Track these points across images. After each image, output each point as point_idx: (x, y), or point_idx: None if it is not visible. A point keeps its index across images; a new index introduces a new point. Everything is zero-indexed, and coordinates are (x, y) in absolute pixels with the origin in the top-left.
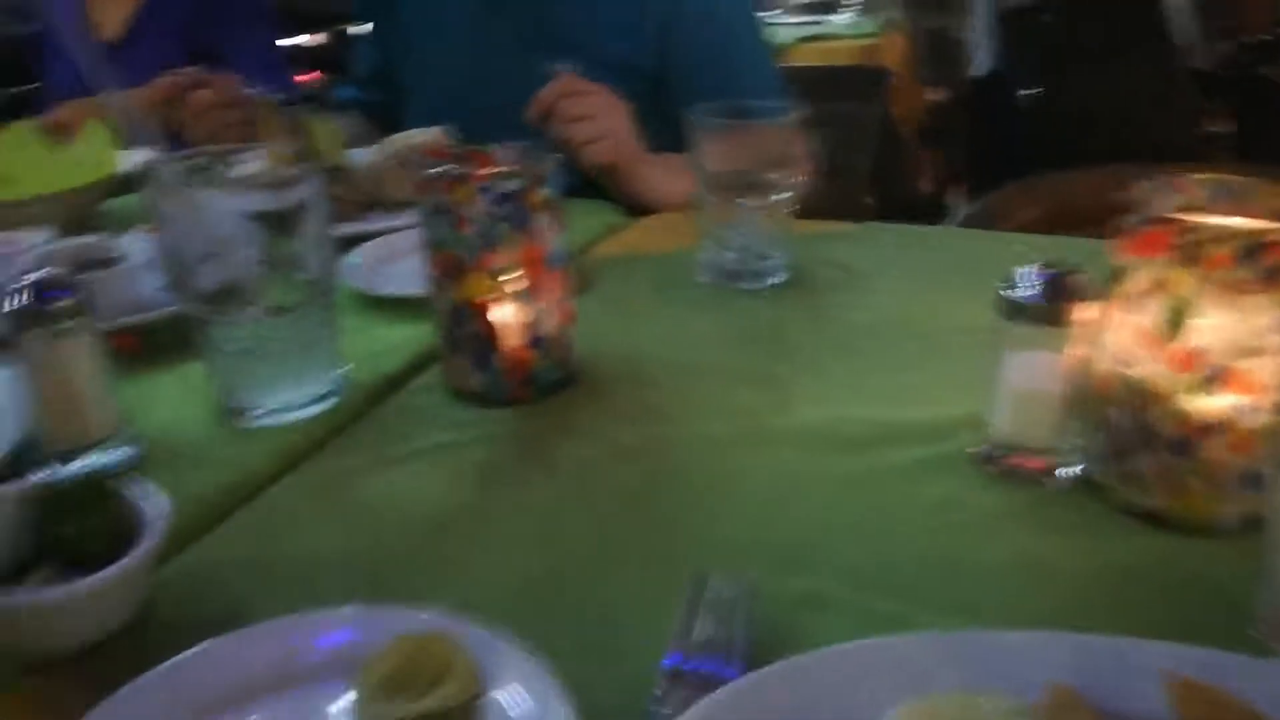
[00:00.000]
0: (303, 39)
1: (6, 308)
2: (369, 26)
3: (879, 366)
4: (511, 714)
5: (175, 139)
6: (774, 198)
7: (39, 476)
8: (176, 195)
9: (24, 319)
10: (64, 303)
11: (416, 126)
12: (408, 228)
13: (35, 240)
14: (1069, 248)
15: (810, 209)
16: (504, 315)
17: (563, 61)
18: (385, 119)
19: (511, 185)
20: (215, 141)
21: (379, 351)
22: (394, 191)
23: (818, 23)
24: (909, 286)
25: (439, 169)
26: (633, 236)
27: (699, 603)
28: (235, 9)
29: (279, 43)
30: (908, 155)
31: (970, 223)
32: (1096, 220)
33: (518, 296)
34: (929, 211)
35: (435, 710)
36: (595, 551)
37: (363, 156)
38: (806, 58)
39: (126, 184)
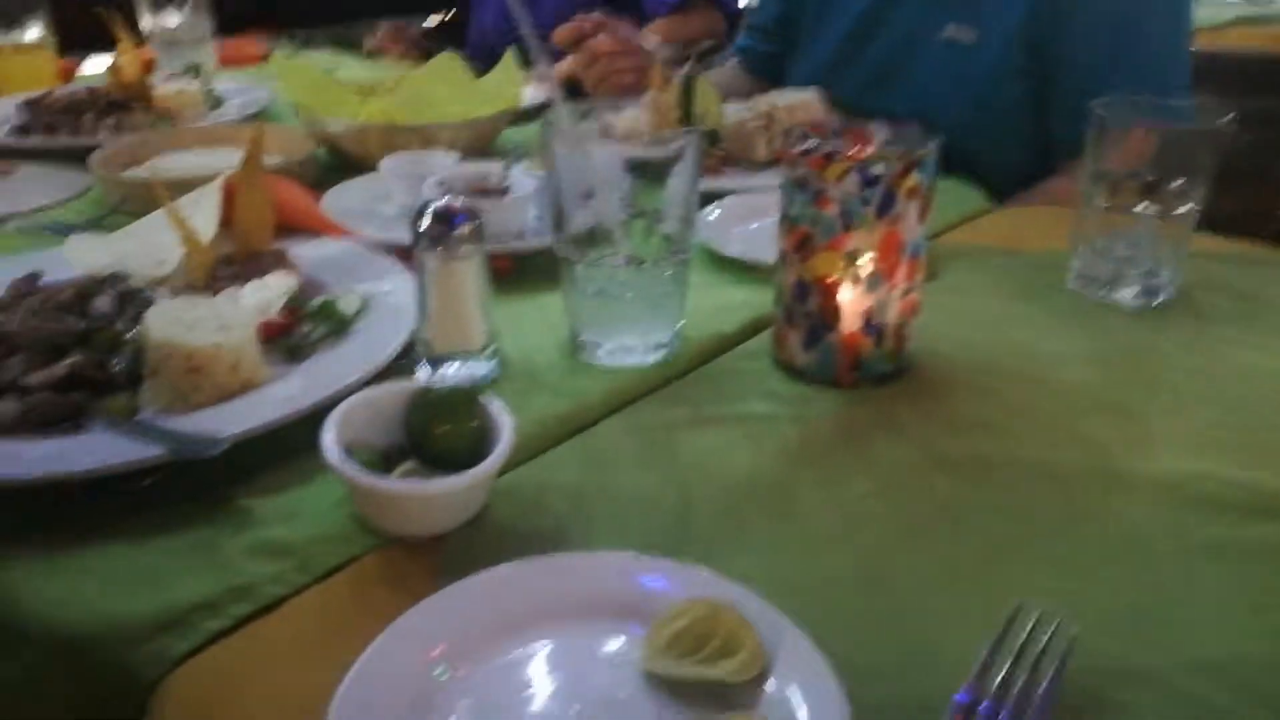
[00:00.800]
0: None
1: (415, 227)
2: None
3: (1263, 421)
4: (787, 707)
5: (574, 80)
6: (1177, 210)
7: (422, 378)
8: (564, 138)
9: (427, 239)
10: (462, 229)
11: (798, 84)
12: (767, 189)
13: (443, 163)
14: None
15: (1217, 220)
16: (847, 297)
17: (961, 26)
18: (772, 72)
19: (883, 168)
20: (606, 85)
21: (717, 309)
22: (758, 151)
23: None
24: None
25: (811, 142)
26: (994, 227)
27: (1008, 643)
28: None
29: None
30: None
31: None
32: None
33: (865, 281)
34: None
35: (717, 679)
36: (903, 562)
37: (732, 111)
38: (1240, 40)
39: (525, 115)
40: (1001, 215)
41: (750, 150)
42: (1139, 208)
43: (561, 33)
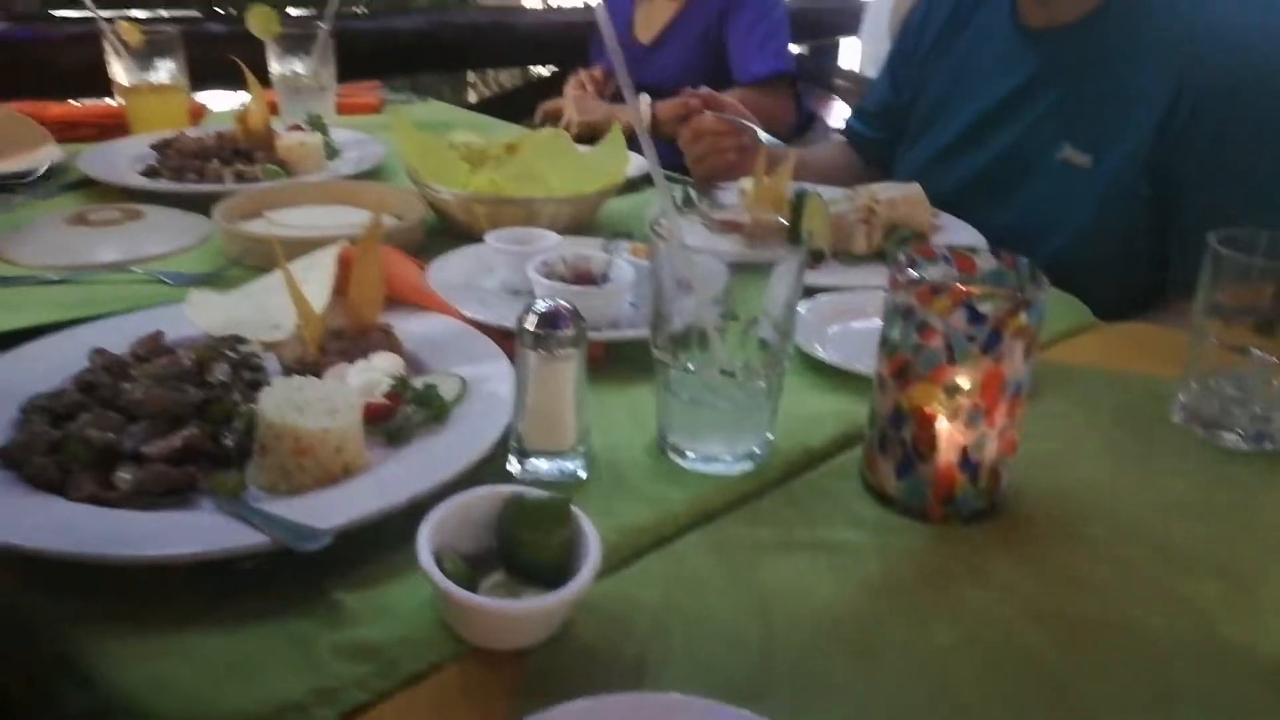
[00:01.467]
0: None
1: (520, 324)
2: (884, 55)
3: None
4: None
5: (677, 151)
6: None
7: (513, 470)
8: (666, 226)
9: (530, 338)
10: (564, 332)
11: (904, 171)
12: (864, 288)
13: (546, 242)
14: None
15: None
16: (944, 430)
17: (1077, 150)
18: (877, 156)
19: (990, 307)
20: (708, 163)
21: (808, 418)
22: (857, 244)
23: None
24: None
25: (917, 271)
26: (1098, 345)
27: None
28: (747, 11)
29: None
30: None
31: None
32: None
33: (964, 415)
34: None
35: None
36: None
37: (831, 199)
38: None
39: (629, 185)
40: (1106, 332)
41: (848, 243)
42: (1253, 348)
43: (666, 108)
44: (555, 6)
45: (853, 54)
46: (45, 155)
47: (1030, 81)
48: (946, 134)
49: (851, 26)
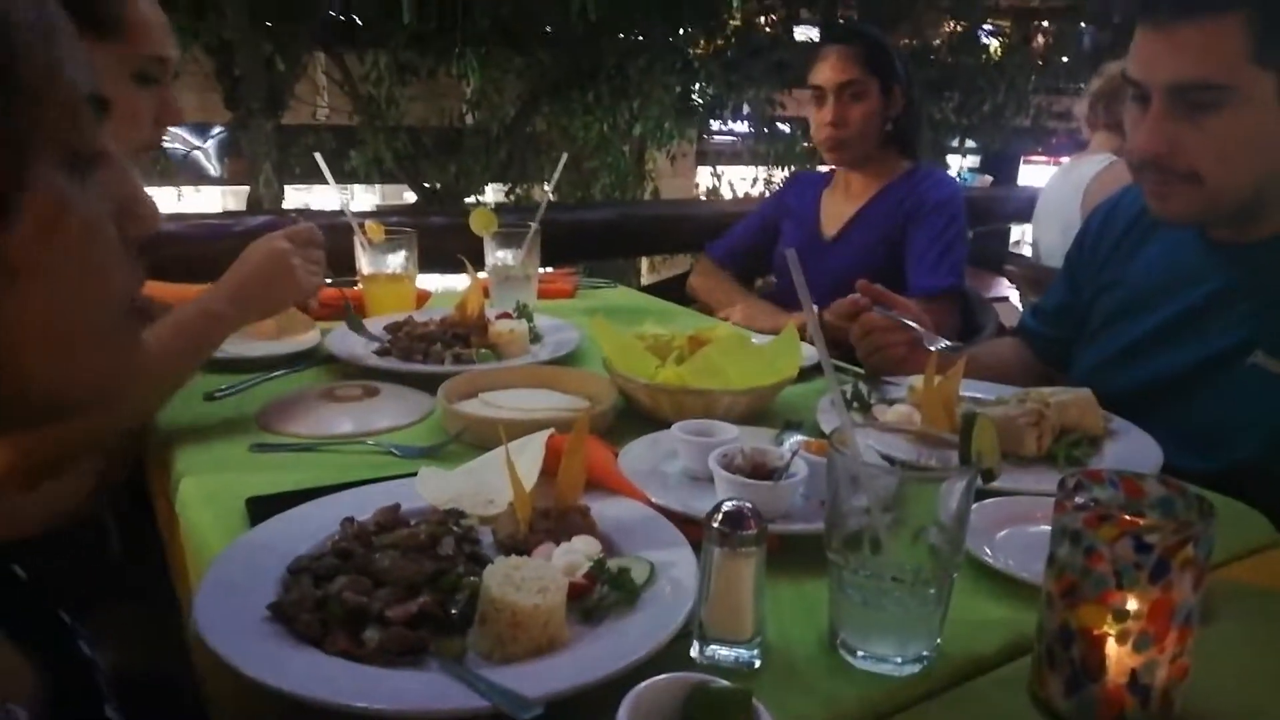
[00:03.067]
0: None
1: (708, 521)
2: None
3: None
4: None
5: (848, 348)
6: None
7: (694, 654)
8: (841, 436)
9: (716, 534)
10: (747, 531)
11: (1081, 369)
12: (1034, 492)
13: (726, 434)
14: None
15: None
16: (1113, 653)
17: (1270, 357)
18: (1054, 355)
19: (1158, 538)
20: (878, 357)
21: (975, 624)
22: (1027, 447)
23: None
24: None
25: (1085, 494)
26: (1275, 565)
27: None
28: (928, 226)
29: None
30: None
31: None
32: None
33: (1134, 640)
34: None
35: None
36: None
37: (1003, 397)
38: None
39: (800, 375)
40: None
41: (1019, 446)
42: None
43: (836, 307)
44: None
45: (1024, 240)
46: (310, 339)
47: (1221, 291)
48: (1129, 336)
49: (1024, 214)
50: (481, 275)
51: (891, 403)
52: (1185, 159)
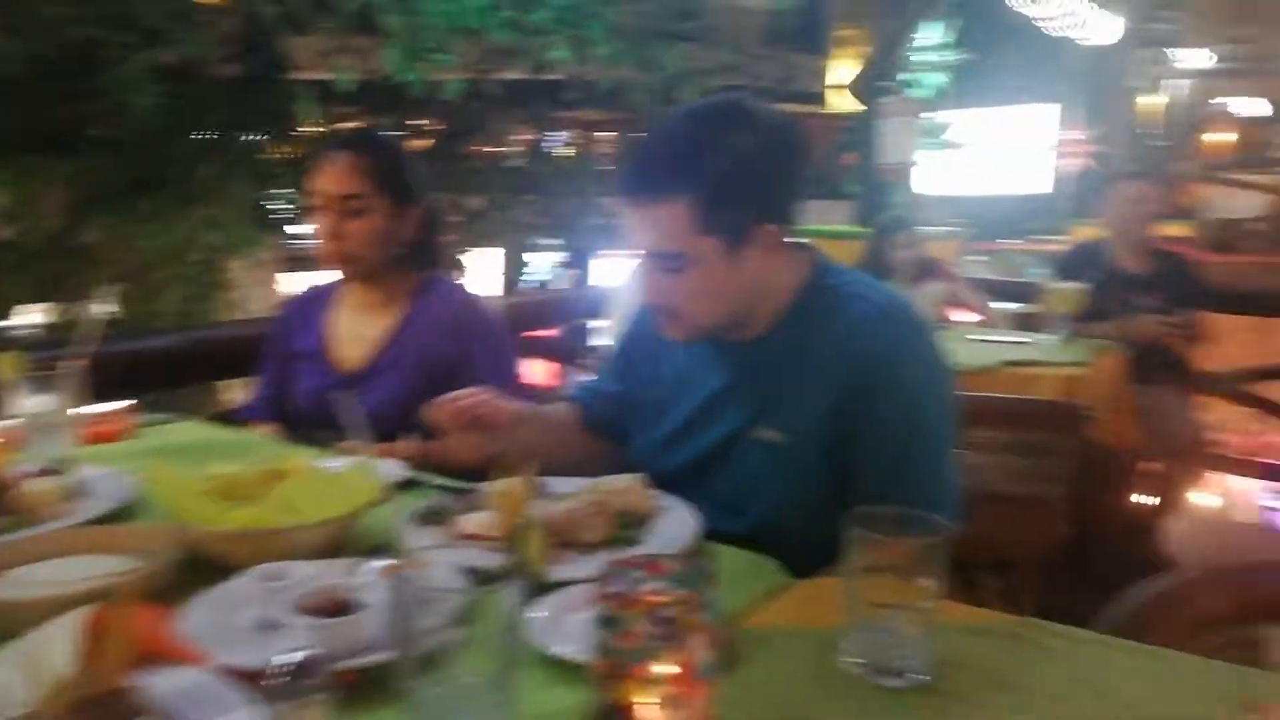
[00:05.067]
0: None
1: (267, 676)
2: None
3: None
4: None
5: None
6: (918, 605)
7: None
8: (408, 542)
9: (277, 691)
10: (311, 680)
11: (638, 455)
12: (591, 580)
13: (299, 573)
14: None
15: (1006, 538)
16: (650, 717)
17: (768, 427)
18: (609, 432)
19: (673, 612)
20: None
21: (549, 714)
22: (591, 536)
23: (1026, 343)
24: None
25: (620, 581)
26: (789, 606)
27: None
28: (475, 329)
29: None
30: (1113, 478)
31: (1146, 609)
32: None
33: (669, 704)
34: (1135, 537)
35: None
36: None
37: (567, 492)
38: (1006, 385)
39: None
40: (798, 589)
41: (585, 535)
42: (891, 602)
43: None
44: None
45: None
46: None
47: (730, 381)
48: (671, 424)
49: (598, 310)
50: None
51: (473, 510)
52: (670, 302)
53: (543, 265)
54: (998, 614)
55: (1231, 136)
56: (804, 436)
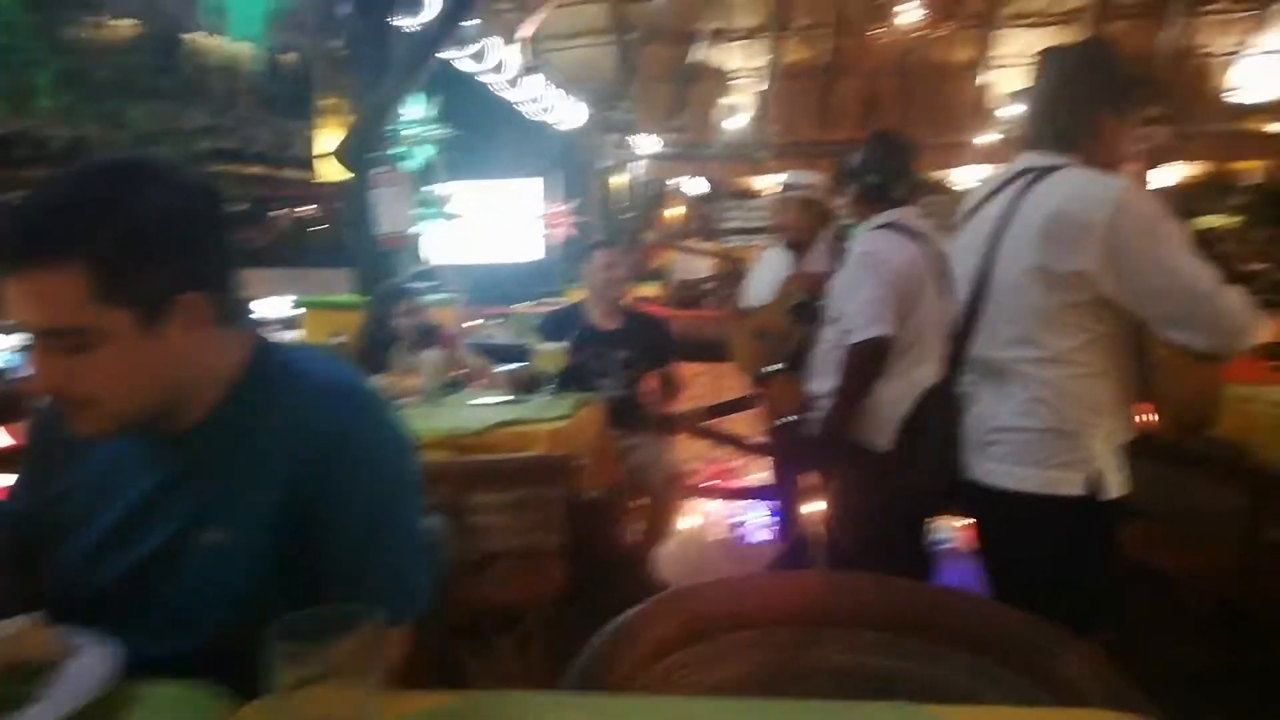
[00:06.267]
0: None
1: None
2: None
3: None
4: None
5: None
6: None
7: None
8: None
9: None
10: None
11: (64, 571)
12: None
13: None
14: None
15: (511, 595)
16: None
17: (216, 527)
18: (20, 563)
19: None
20: None
21: None
22: None
23: (520, 401)
24: None
25: None
26: None
27: None
28: None
29: None
30: (604, 519)
31: (605, 648)
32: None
33: None
34: (631, 569)
35: None
36: None
37: None
38: (503, 445)
39: None
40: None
41: None
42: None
43: None
44: None
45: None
46: None
47: (169, 476)
48: (98, 530)
49: None
50: None
51: None
52: (80, 389)
53: None
54: (453, 693)
55: (682, 210)
56: (256, 532)
